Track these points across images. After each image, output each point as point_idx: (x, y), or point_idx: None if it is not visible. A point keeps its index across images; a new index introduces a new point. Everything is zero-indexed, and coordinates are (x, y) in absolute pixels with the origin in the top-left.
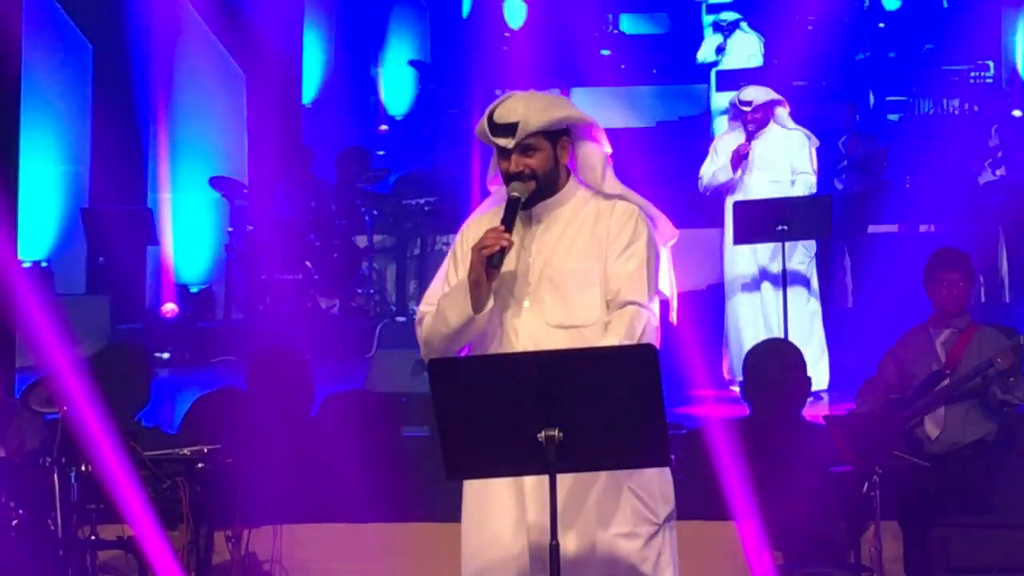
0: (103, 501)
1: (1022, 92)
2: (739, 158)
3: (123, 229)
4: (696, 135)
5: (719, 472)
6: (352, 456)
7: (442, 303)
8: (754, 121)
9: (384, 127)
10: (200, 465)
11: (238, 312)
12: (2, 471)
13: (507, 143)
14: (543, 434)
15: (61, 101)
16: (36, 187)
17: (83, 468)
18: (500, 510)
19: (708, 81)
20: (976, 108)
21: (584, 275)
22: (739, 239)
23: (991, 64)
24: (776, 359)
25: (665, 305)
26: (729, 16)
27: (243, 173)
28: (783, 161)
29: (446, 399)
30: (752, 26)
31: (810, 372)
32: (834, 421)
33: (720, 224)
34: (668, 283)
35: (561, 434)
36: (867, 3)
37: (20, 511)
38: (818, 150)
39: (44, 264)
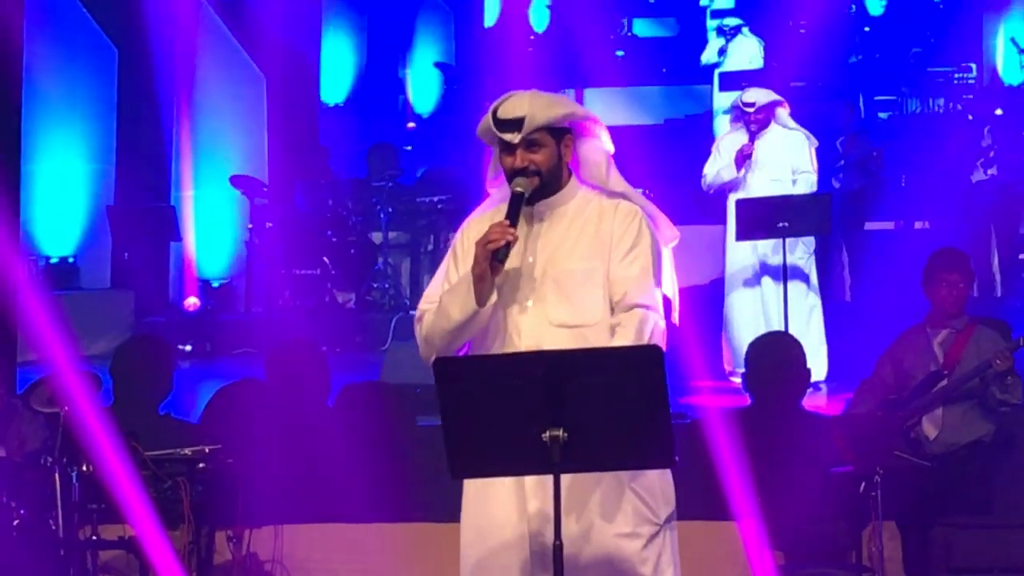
0: (104, 501)
1: (1003, 92)
2: (743, 157)
3: (147, 226)
4: (700, 132)
5: (721, 461)
6: (365, 446)
7: (444, 299)
8: (756, 121)
9: (412, 124)
10: (201, 465)
11: (258, 306)
12: (3, 471)
13: (512, 138)
14: (548, 434)
15: (87, 102)
16: (63, 185)
17: (84, 468)
18: (500, 505)
19: (711, 82)
20: (959, 107)
21: (588, 275)
22: (742, 235)
23: (973, 66)
24: (777, 351)
25: (667, 305)
26: (731, 21)
27: (263, 172)
28: (784, 160)
29: (451, 398)
30: (752, 31)
31: (809, 364)
32: (836, 422)
33: (722, 221)
34: (670, 284)
35: (566, 434)
36: (853, 8)
37: (21, 511)
38: (816, 150)
39: (70, 260)
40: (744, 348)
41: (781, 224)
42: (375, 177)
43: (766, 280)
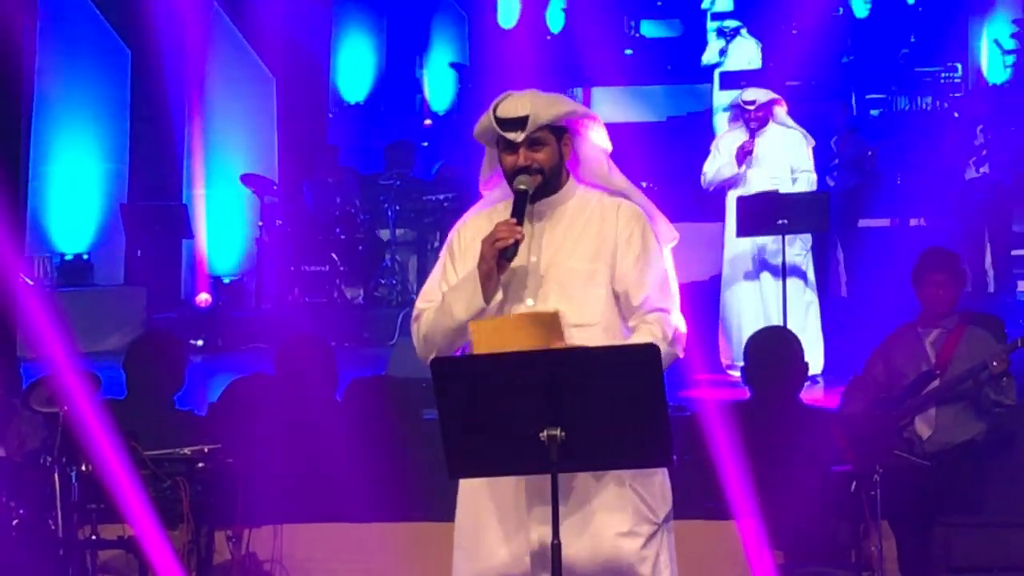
0: (104, 501)
1: (989, 91)
2: (744, 153)
3: (160, 224)
4: (700, 129)
5: (720, 453)
6: (370, 442)
7: (448, 297)
8: (756, 119)
9: (428, 121)
10: (200, 464)
11: (268, 302)
12: (2, 471)
13: (516, 136)
14: (546, 433)
15: (101, 104)
16: (78, 184)
17: (84, 468)
18: (499, 503)
19: (711, 81)
20: (946, 105)
21: (590, 275)
22: (742, 232)
23: (959, 66)
24: (776, 345)
25: None
26: (731, 24)
27: (273, 171)
28: (782, 158)
29: (449, 397)
30: (751, 32)
31: (807, 358)
32: (836, 421)
33: (721, 218)
34: (671, 283)
35: (564, 433)
36: (841, 11)
37: (21, 511)
38: (813, 148)
39: (85, 257)
40: (743, 342)
41: (780, 221)
42: (391, 172)
43: (765, 276)
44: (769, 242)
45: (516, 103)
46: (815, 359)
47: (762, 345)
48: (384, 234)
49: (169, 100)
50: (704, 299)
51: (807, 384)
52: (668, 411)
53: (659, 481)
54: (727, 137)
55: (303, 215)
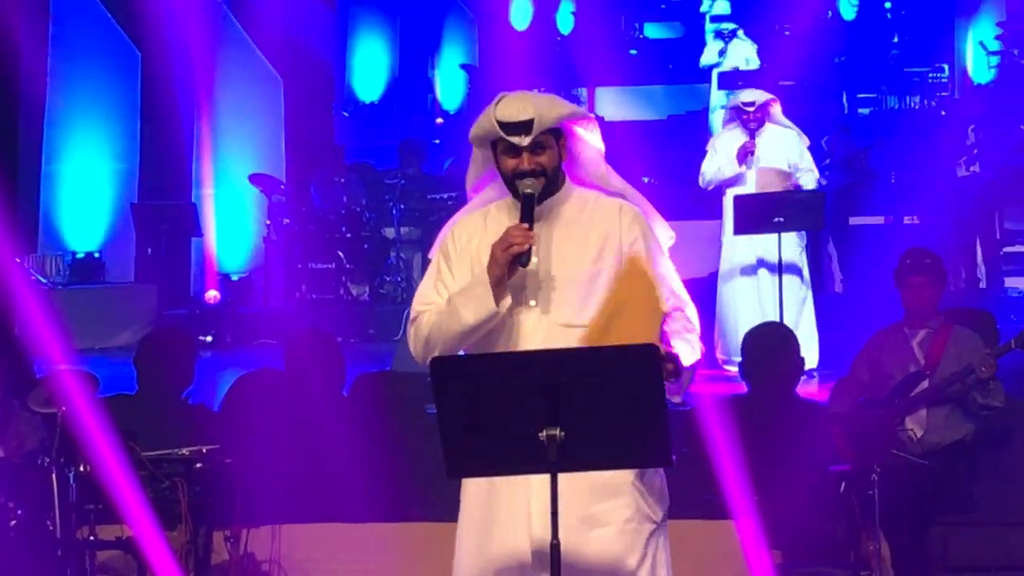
0: (102, 501)
1: (976, 91)
2: (745, 153)
3: (169, 222)
4: (698, 127)
5: (718, 446)
6: (374, 439)
7: (455, 301)
8: (755, 120)
9: (440, 120)
10: (199, 465)
11: (276, 299)
12: (1, 471)
13: (522, 140)
14: (545, 433)
15: (112, 105)
16: (89, 183)
17: (82, 468)
18: (503, 500)
19: (710, 81)
20: (933, 103)
21: (593, 276)
22: (739, 229)
23: (946, 67)
24: (773, 340)
25: None
26: (728, 26)
27: (280, 170)
28: (780, 157)
29: (448, 397)
30: (747, 34)
31: (802, 353)
32: (834, 420)
33: (718, 216)
34: None
35: (563, 433)
36: (830, 13)
37: (19, 511)
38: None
39: (96, 255)
40: (740, 338)
41: (777, 219)
42: (404, 168)
43: (762, 272)
44: (765, 239)
45: (518, 106)
46: (810, 354)
47: (759, 341)
48: (389, 232)
49: (178, 101)
50: (702, 296)
51: (803, 379)
52: (668, 410)
53: (659, 481)
54: (724, 137)
55: (310, 214)
